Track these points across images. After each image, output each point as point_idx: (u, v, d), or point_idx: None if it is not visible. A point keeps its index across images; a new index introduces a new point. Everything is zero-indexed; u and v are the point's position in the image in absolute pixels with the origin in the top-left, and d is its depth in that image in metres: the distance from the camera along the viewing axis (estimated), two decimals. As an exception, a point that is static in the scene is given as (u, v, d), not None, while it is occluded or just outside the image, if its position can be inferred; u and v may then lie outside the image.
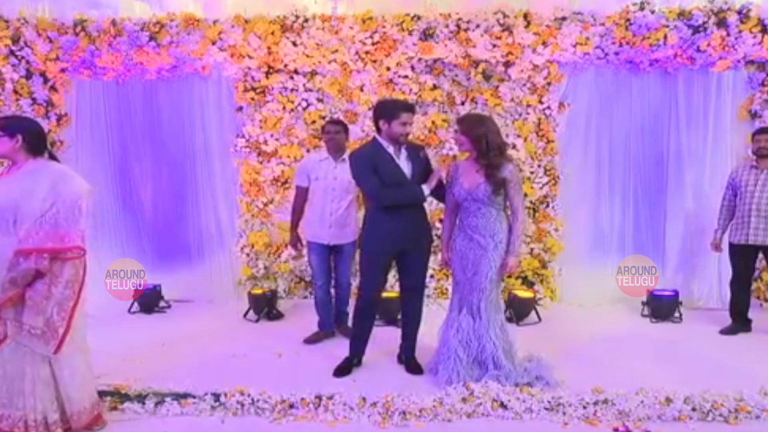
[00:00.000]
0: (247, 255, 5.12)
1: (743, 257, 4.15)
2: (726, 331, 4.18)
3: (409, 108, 3.26)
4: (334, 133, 3.96)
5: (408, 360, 3.49)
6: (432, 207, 5.07)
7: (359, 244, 3.60)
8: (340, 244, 3.98)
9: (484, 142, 3.09)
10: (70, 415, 2.67)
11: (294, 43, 4.85)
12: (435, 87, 4.95)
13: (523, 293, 4.65)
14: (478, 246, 3.18)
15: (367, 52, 4.88)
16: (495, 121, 3.30)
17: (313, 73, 4.95)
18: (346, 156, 3.86)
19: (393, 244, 3.29)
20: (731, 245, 4.20)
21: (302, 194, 4.04)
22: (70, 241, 2.51)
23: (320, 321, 4.13)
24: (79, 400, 2.69)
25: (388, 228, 3.26)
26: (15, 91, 4.91)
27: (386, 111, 3.21)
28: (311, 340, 4.03)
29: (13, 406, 2.56)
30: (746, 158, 4.26)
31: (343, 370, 3.43)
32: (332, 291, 4.16)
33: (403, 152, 3.28)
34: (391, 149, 3.24)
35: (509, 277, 4.64)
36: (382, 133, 3.23)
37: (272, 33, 4.83)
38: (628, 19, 4.59)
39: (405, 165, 3.26)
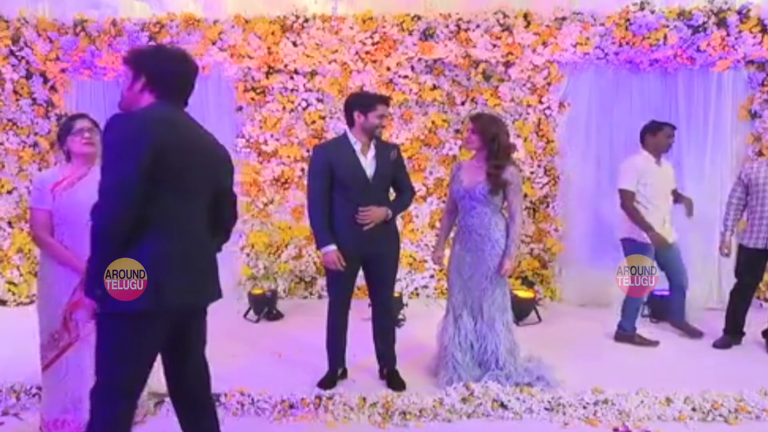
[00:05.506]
0: (247, 255, 5.11)
1: (755, 262, 3.84)
2: (719, 345, 3.94)
3: (386, 100, 3.14)
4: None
5: (390, 374, 3.27)
6: (433, 207, 5.09)
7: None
8: None
9: (496, 143, 3.08)
10: None
11: (294, 43, 4.85)
12: (435, 87, 4.94)
13: (523, 293, 4.65)
14: (474, 246, 3.16)
15: (367, 52, 4.88)
16: (505, 123, 3.27)
17: (313, 73, 4.95)
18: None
19: (355, 247, 3.05)
20: (744, 249, 3.85)
21: None
22: None
23: None
24: None
25: (353, 229, 3.02)
26: (15, 92, 4.91)
27: (363, 102, 3.07)
28: None
29: (81, 408, 2.59)
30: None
31: (327, 383, 3.23)
32: None
33: (372, 150, 3.09)
34: (359, 145, 3.07)
35: (510, 277, 4.63)
36: (356, 126, 3.07)
37: (272, 33, 4.83)
38: (628, 19, 4.59)
39: (369, 164, 3.07)
